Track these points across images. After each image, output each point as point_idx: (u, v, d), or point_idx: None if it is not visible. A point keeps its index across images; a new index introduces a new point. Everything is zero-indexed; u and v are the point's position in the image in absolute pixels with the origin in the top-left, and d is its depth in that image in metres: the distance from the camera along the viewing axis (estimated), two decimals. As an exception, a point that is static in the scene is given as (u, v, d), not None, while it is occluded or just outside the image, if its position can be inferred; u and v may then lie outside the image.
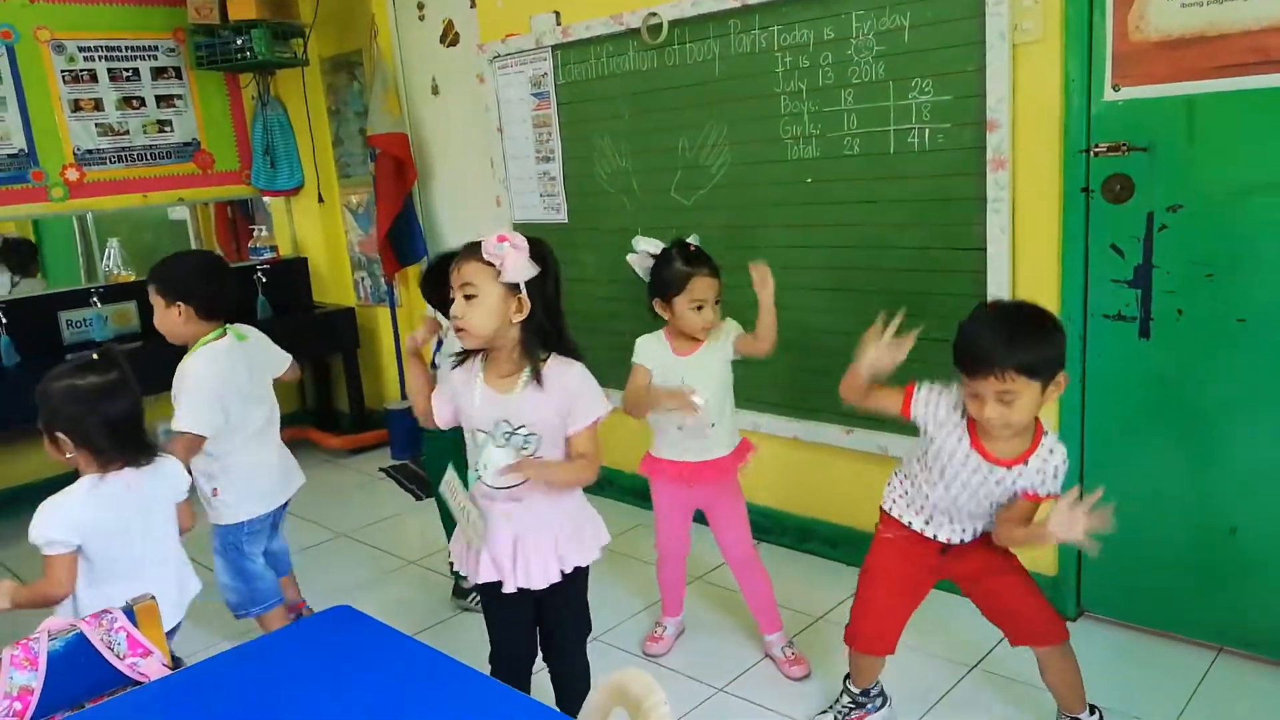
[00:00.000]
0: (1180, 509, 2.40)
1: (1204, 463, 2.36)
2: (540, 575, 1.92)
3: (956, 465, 1.90)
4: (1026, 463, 1.85)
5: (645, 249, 2.44)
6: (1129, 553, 2.48)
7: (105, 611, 1.52)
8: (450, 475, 1.95)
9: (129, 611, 1.55)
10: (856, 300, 2.83)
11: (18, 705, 1.40)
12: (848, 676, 2.21)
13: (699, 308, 2.35)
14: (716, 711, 2.37)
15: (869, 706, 2.21)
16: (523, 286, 1.81)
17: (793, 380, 3.05)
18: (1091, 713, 2.06)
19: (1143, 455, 2.43)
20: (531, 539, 1.92)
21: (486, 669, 1.35)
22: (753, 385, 3.07)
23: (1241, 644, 2.39)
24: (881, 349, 1.94)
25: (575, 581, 1.99)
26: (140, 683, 1.48)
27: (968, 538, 1.99)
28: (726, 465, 2.47)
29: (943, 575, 2.06)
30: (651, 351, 2.47)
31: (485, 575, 1.94)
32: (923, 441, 1.97)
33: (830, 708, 2.26)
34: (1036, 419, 1.85)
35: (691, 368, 2.42)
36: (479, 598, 2.05)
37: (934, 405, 1.92)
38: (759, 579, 2.55)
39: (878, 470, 2.89)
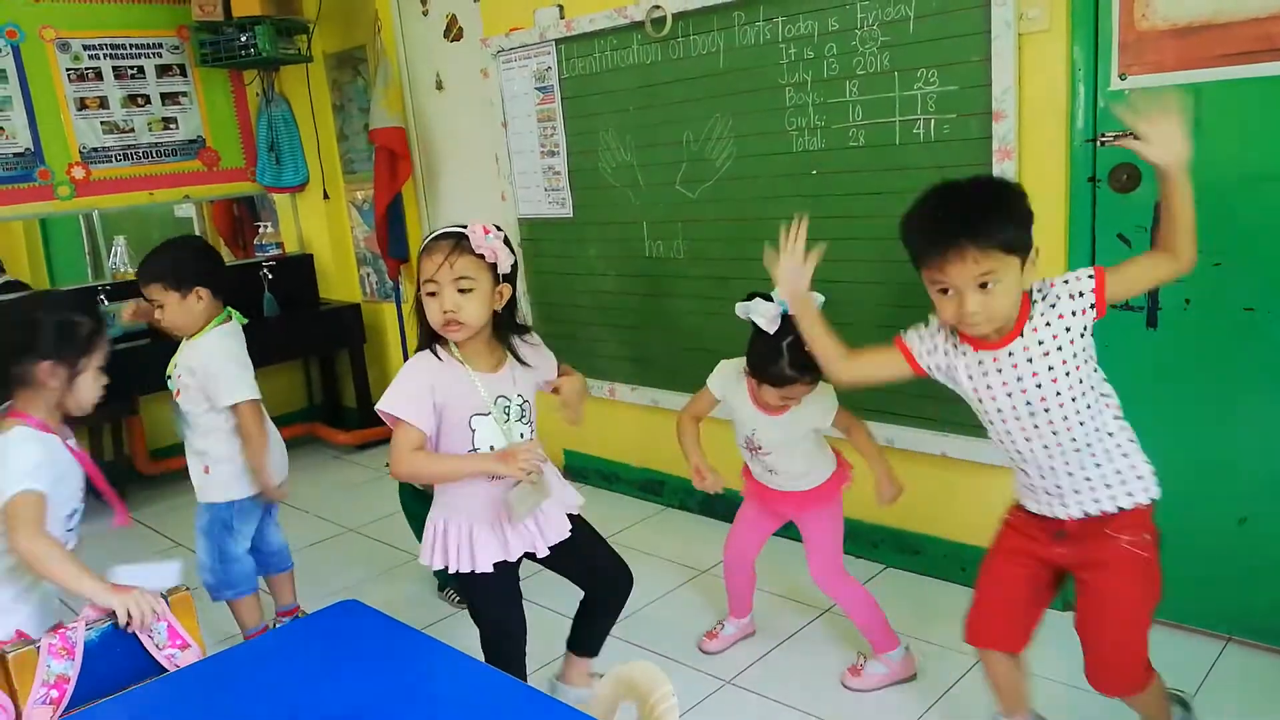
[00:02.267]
0: (1189, 499, 2.39)
1: (1213, 453, 2.35)
2: (562, 525, 2.06)
3: (979, 381, 1.66)
4: (1031, 316, 1.61)
5: (754, 318, 2.20)
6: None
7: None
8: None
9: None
10: (862, 292, 2.83)
11: (54, 693, 1.42)
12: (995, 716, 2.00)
13: (784, 398, 2.24)
14: (724, 704, 2.37)
15: None
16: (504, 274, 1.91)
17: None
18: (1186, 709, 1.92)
19: (1150, 446, 2.41)
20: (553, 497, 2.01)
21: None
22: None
23: (1250, 633, 2.38)
24: (788, 264, 1.83)
25: (582, 521, 2.15)
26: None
27: (1079, 502, 1.69)
28: (803, 499, 2.40)
29: (1058, 564, 1.78)
30: (729, 384, 2.35)
31: (502, 555, 1.99)
32: (953, 387, 1.76)
33: None
34: (1024, 294, 1.63)
35: (768, 426, 2.31)
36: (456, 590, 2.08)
37: (932, 344, 1.75)
38: (844, 600, 2.44)
39: (885, 462, 2.89)
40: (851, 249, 2.83)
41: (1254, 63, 2.11)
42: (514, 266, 1.94)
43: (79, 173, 4.32)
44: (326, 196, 4.85)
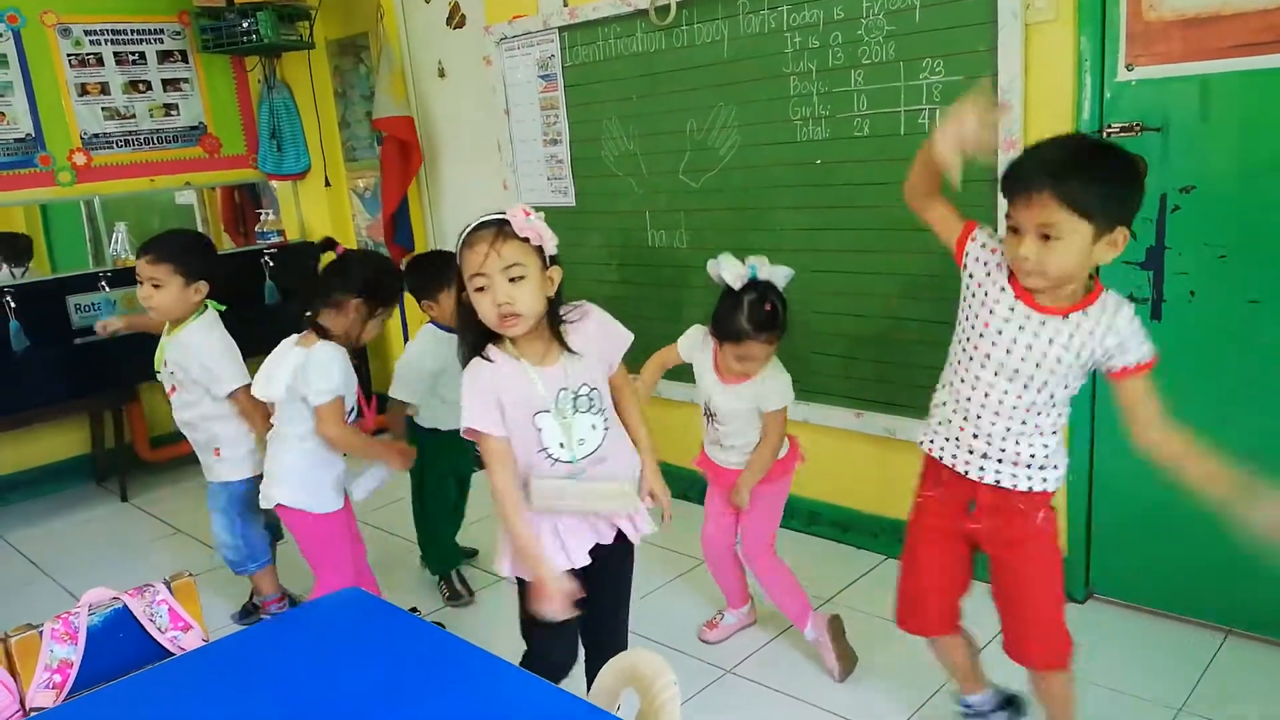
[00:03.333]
0: (1191, 492, 2.39)
1: (1216, 445, 2.34)
2: (608, 533, 1.91)
3: (999, 321, 1.61)
4: (1086, 312, 1.56)
5: (723, 273, 2.26)
6: (1139, 535, 2.48)
7: (148, 585, 1.56)
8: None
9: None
10: (866, 283, 2.82)
11: (57, 678, 1.42)
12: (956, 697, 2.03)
13: (740, 359, 2.29)
14: (725, 692, 2.37)
15: None
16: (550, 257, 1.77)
17: (802, 364, 3.03)
18: None
19: (1153, 438, 2.42)
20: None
21: (493, 649, 1.36)
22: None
23: (1250, 626, 2.38)
24: (975, 122, 1.56)
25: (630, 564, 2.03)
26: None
27: (1000, 474, 1.69)
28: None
29: (973, 538, 1.80)
30: (695, 348, 2.42)
31: (572, 562, 1.85)
32: (964, 298, 1.72)
33: None
34: (1094, 280, 1.59)
35: (724, 395, 2.37)
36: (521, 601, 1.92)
37: (988, 247, 1.67)
38: (767, 580, 2.49)
39: (887, 453, 2.90)
40: (856, 239, 2.82)
41: (1261, 54, 2.10)
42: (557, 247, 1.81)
43: (80, 159, 4.30)
44: (328, 184, 4.83)
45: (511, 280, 1.70)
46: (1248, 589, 2.36)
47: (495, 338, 1.78)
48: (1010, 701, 2.02)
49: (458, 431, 1.83)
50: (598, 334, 1.85)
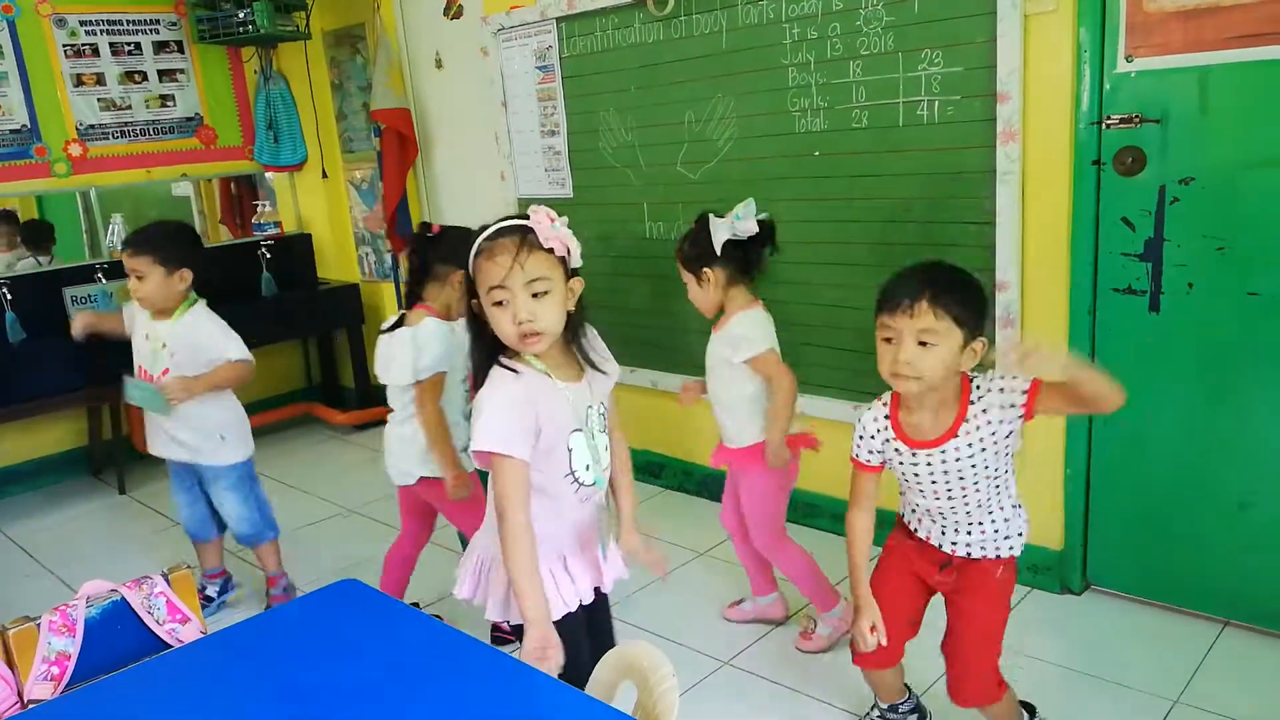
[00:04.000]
0: (1189, 483, 2.40)
1: (1214, 438, 2.35)
2: (619, 565, 1.84)
3: (916, 475, 1.80)
4: (968, 419, 1.72)
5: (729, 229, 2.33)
6: (1136, 526, 2.48)
7: (146, 578, 1.56)
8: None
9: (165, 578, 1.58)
10: (864, 275, 2.82)
11: (55, 670, 1.43)
12: (874, 705, 2.13)
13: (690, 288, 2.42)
14: (723, 684, 2.38)
15: None
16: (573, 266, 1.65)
17: (800, 356, 3.03)
18: None
19: (1152, 429, 2.42)
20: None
21: (488, 638, 1.35)
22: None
23: (1248, 617, 2.39)
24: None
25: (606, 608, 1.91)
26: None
27: (968, 548, 1.85)
28: (735, 456, 2.46)
29: (937, 589, 1.94)
30: None
31: (581, 597, 1.77)
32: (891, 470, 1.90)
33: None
34: (964, 382, 1.74)
35: (709, 345, 2.45)
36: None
37: (871, 445, 1.86)
38: (778, 565, 2.52)
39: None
40: (854, 231, 2.82)
41: (1262, 45, 2.09)
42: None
43: (76, 150, 4.29)
44: (325, 176, 4.82)
45: (534, 296, 1.57)
46: (1245, 580, 2.36)
47: (507, 350, 1.65)
48: (919, 708, 2.12)
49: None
50: (604, 351, 1.77)
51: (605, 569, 1.81)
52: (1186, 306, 2.31)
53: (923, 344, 1.66)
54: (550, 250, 1.58)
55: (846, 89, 2.73)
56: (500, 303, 1.57)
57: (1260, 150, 2.15)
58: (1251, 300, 2.21)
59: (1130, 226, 2.34)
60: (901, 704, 2.09)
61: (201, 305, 2.75)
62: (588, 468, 1.70)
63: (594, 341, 1.74)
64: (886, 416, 1.83)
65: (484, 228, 1.63)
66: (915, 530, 1.93)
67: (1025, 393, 1.68)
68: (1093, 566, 2.62)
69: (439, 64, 4.15)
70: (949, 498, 1.81)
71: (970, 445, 1.74)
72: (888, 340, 1.71)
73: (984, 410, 1.72)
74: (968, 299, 1.69)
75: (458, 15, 3.97)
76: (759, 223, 2.34)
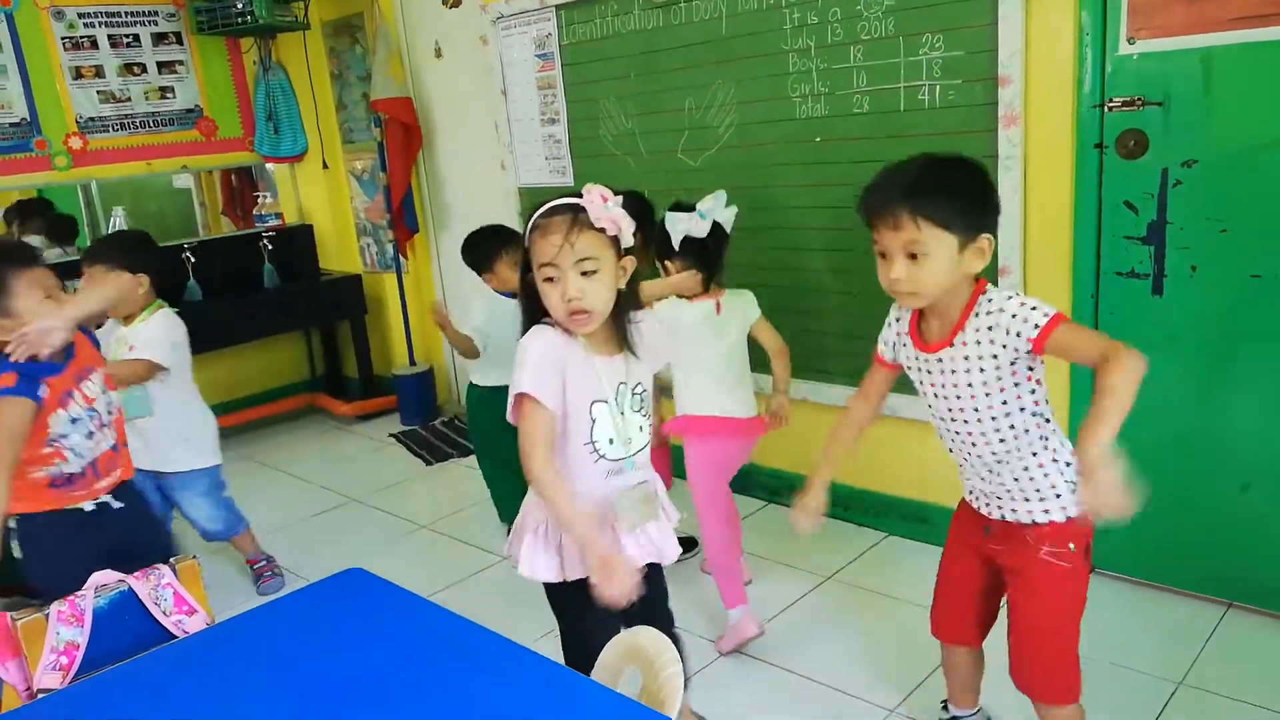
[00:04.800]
0: (1192, 466, 2.40)
1: (1217, 420, 2.35)
2: (671, 547, 1.80)
3: (919, 375, 1.68)
4: (964, 329, 1.58)
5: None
6: (1140, 509, 2.48)
7: (154, 568, 1.56)
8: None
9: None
10: (866, 261, 2.80)
11: (64, 660, 1.44)
12: (943, 703, 2.04)
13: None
14: (727, 670, 2.39)
15: None
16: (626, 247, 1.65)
17: (802, 341, 3.03)
18: None
19: (1155, 413, 2.42)
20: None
21: (497, 628, 1.36)
22: (759, 347, 3.06)
23: (1252, 599, 2.39)
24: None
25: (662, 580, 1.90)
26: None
27: (1001, 508, 1.70)
28: (679, 424, 2.54)
29: (992, 559, 1.78)
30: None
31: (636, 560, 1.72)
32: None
33: None
34: (976, 288, 1.60)
35: None
36: (559, 599, 1.82)
37: (890, 336, 1.77)
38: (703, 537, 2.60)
39: (888, 431, 2.89)
40: (854, 217, 2.80)
41: (1264, 26, 2.08)
42: (636, 235, 1.67)
43: (76, 143, 4.28)
44: (326, 166, 4.82)
45: (584, 274, 1.59)
46: (1249, 562, 2.36)
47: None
48: None
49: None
50: (653, 339, 1.75)
51: (648, 546, 1.78)
52: (1189, 289, 2.30)
53: (913, 256, 1.53)
54: (602, 230, 1.60)
55: (847, 74, 2.72)
56: (551, 279, 1.61)
57: (1262, 132, 2.14)
58: (1254, 282, 2.21)
59: (1133, 210, 2.34)
60: (968, 716, 1.98)
61: (168, 311, 2.83)
62: (611, 441, 1.70)
63: (643, 328, 1.72)
64: (900, 320, 1.74)
65: (541, 204, 1.67)
66: (965, 495, 1.81)
67: (1039, 327, 1.50)
68: (1097, 549, 2.61)
69: (438, 53, 4.13)
70: (956, 432, 1.67)
71: (967, 359, 1.60)
72: (881, 255, 1.58)
73: (989, 328, 1.56)
74: (957, 198, 1.52)
75: (456, 4, 3.95)
76: (714, 224, 2.36)
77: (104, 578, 1.54)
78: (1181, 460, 2.41)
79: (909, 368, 1.74)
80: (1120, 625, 2.37)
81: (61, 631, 1.45)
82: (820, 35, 2.74)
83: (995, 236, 1.58)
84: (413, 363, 4.64)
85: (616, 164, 3.41)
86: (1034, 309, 1.52)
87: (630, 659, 1.36)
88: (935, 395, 1.68)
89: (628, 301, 1.69)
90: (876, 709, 2.18)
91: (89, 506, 2.04)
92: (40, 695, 1.39)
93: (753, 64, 2.93)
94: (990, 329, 1.56)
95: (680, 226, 2.33)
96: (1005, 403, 1.61)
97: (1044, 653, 1.71)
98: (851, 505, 3.08)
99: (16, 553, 1.98)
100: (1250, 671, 2.18)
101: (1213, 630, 2.34)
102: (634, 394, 1.72)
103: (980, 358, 1.59)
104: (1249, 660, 2.22)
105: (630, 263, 1.67)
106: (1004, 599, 1.84)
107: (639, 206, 2.58)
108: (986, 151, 2.48)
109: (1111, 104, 2.31)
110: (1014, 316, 1.53)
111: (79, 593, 1.51)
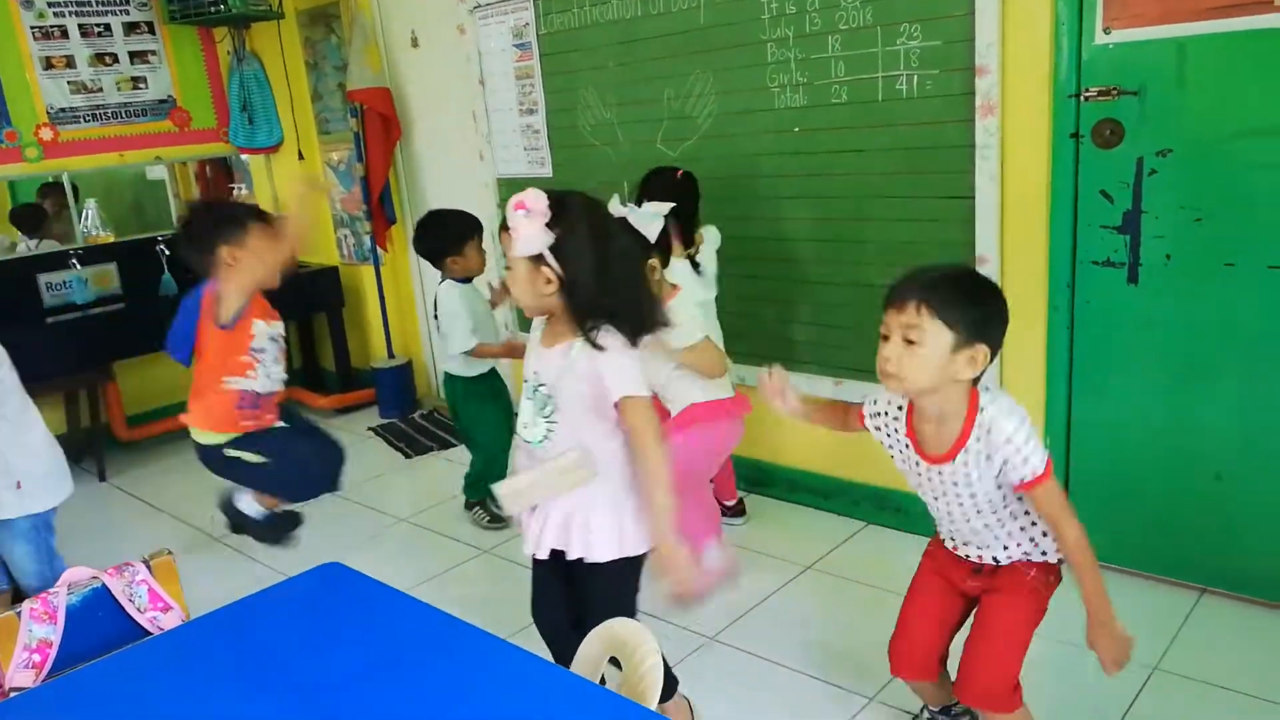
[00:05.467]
0: (1167, 454, 2.42)
1: (1191, 408, 2.37)
2: (546, 544, 1.83)
3: (916, 477, 1.77)
4: (966, 449, 1.66)
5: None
6: (1115, 496, 2.51)
7: (127, 564, 1.55)
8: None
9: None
10: (845, 250, 2.82)
11: (36, 657, 1.42)
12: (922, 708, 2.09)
13: None
14: (707, 660, 2.39)
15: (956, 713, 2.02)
16: (548, 256, 1.65)
17: (781, 332, 3.04)
18: None
19: (1130, 401, 2.44)
20: (550, 504, 1.82)
21: (477, 622, 1.36)
22: (741, 337, 3.07)
23: (1225, 585, 2.42)
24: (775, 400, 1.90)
25: (597, 574, 1.82)
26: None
27: (996, 555, 1.79)
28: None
29: (972, 594, 1.86)
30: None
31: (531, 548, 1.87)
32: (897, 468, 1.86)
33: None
34: (972, 401, 1.66)
35: None
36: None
37: (878, 415, 1.82)
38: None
39: (866, 421, 2.91)
40: (833, 207, 2.82)
41: (1238, 16, 2.09)
42: (559, 244, 1.66)
43: (47, 134, 4.22)
44: (301, 157, 4.77)
45: (508, 268, 1.77)
46: (1222, 549, 2.39)
47: None
48: (974, 715, 2.05)
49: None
50: (600, 364, 1.71)
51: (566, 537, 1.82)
52: (1164, 278, 2.32)
53: (909, 342, 1.60)
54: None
55: (825, 64, 2.72)
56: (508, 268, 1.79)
57: (1236, 121, 2.16)
58: (1228, 271, 2.23)
59: (1109, 199, 2.35)
60: (954, 706, 2.01)
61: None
62: (525, 425, 1.82)
63: (610, 339, 1.71)
64: (901, 409, 1.77)
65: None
66: (944, 542, 1.88)
67: (1024, 481, 1.63)
68: (1073, 537, 2.64)
69: (415, 42, 4.10)
70: (948, 508, 1.76)
71: (969, 475, 1.69)
72: (884, 337, 1.65)
73: (987, 456, 1.65)
74: (967, 303, 1.60)
75: (433, -7, 3.92)
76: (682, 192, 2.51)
77: (76, 574, 1.52)
78: (1156, 448, 2.44)
79: (900, 464, 1.81)
80: (1096, 611, 2.39)
81: (34, 629, 1.43)
82: (798, 25, 2.74)
83: (992, 356, 1.63)
84: (391, 355, 4.61)
85: (595, 154, 3.40)
86: (1026, 459, 1.62)
87: (610, 650, 1.36)
88: (933, 496, 1.78)
89: (578, 309, 1.70)
90: (856, 697, 2.19)
91: None
92: (13, 694, 1.38)
93: (731, 54, 2.92)
94: (989, 458, 1.65)
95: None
96: (1005, 497, 1.72)
97: (998, 657, 1.77)
98: (831, 495, 3.09)
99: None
100: (1223, 656, 2.20)
101: (1187, 616, 2.37)
102: (537, 390, 1.78)
103: (981, 478, 1.68)
104: (1222, 645, 2.25)
105: (550, 274, 1.67)
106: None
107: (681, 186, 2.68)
108: (963, 141, 2.49)
109: (1087, 94, 2.32)
110: (1011, 455, 1.63)
111: (52, 589, 1.49)
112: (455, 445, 3.72)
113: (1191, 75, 2.19)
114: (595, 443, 1.76)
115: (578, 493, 1.78)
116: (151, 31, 4.51)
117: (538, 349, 1.81)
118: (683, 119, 3.11)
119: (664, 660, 1.36)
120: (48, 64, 4.21)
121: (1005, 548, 1.77)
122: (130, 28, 4.45)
